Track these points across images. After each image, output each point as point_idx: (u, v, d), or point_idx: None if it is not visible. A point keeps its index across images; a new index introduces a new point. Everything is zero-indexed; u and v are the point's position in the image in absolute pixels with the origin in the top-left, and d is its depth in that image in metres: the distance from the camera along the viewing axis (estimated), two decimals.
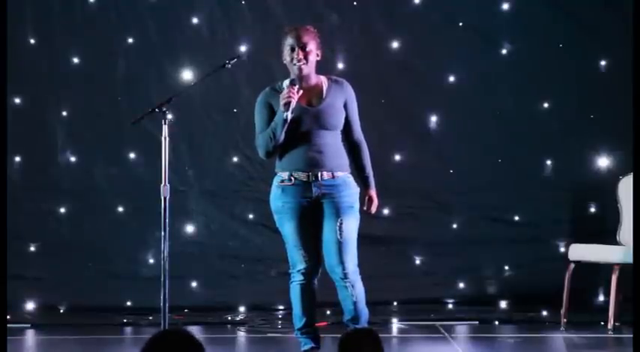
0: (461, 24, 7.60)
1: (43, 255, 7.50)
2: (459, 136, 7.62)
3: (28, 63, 7.47)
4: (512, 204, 7.63)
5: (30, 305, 7.47)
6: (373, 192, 5.51)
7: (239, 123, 7.59)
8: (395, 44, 7.59)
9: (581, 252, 6.98)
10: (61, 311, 7.48)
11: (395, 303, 7.55)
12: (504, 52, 7.63)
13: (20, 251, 7.41)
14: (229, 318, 7.37)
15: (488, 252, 7.58)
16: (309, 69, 5.37)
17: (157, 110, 5.33)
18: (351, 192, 5.38)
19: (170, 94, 5.50)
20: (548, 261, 7.45)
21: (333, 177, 5.35)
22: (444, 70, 7.62)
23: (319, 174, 5.33)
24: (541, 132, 7.62)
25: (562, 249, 7.48)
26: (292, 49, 5.35)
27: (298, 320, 5.49)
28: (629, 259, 6.68)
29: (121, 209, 7.56)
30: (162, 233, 5.31)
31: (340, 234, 5.33)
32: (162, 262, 5.34)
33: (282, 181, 5.40)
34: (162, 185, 5.32)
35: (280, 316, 7.39)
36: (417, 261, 7.65)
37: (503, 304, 7.59)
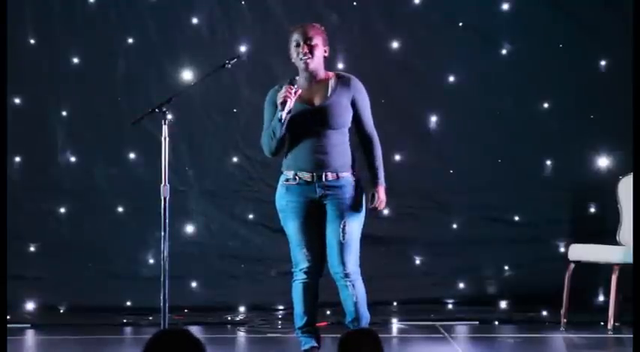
0: (461, 24, 7.60)
1: (43, 255, 7.50)
2: (459, 136, 7.62)
3: (28, 63, 7.47)
4: (512, 204, 7.63)
5: (30, 305, 7.47)
6: (381, 189, 5.45)
7: (239, 123, 7.59)
8: (395, 44, 7.59)
9: (581, 252, 6.98)
10: (61, 311, 7.48)
11: (395, 303, 7.55)
12: (504, 52, 7.63)
13: (20, 251, 7.41)
14: (229, 318, 7.37)
15: (488, 252, 7.58)
16: (316, 64, 5.35)
17: (156, 110, 5.33)
18: (355, 192, 5.38)
19: (170, 94, 5.51)
20: (548, 261, 7.45)
21: (338, 177, 5.34)
22: (444, 70, 7.62)
23: (323, 175, 5.33)
24: (541, 132, 7.62)
25: (562, 249, 7.48)
26: (298, 45, 5.34)
27: (299, 319, 5.48)
28: (629, 259, 6.68)
29: (121, 209, 7.56)
30: (162, 233, 5.31)
31: (343, 236, 5.33)
32: (162, 262, 5.34)
33: (287, 180, 5.41)
34: (162, 185, 5.32)
35: (280, 316, 7.39)
36: (417, 261, 7.65)
37: (503, 304, 7.59)
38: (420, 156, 7.58)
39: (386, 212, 7.47)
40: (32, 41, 7.51)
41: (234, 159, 7.62)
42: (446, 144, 7.63)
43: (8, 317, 6.90)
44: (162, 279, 5.33)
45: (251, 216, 7.62)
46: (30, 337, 7.02)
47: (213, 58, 6.91)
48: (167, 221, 5.31)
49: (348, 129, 5.43)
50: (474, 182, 7.60)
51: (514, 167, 7.62)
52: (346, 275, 5.36)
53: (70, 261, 7.46)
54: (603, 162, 7.61)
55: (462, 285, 7.64)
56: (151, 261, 7.47)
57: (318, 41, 5.34)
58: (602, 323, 6.96)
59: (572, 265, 6.99)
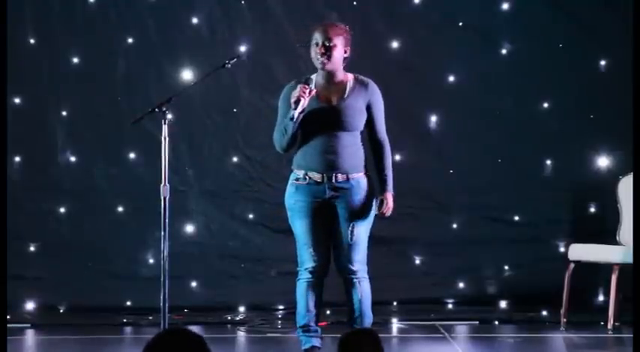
0: (461, 24, 7.60)
1: (43, 255, 7.50)
2: (459, 136, 7.62)
3: (28, 63, 7.47)
4: (512, 204, 7.63)
5: (30, 305, 7.46)
6: (389, 195, 5.46)
7: (239, 123, 7.59)
8: (395, 44, 7.59)
9: (581, 251, 6.98)
10: (61, 311, 7.48)
11: (395, 303, 7.55)
12: (504, 52, 7.63)
13: (20, 251, 7.41)
14: (229, 318, 7.37)
15: (488, 252, 7.58)
16: (333, 65, 5.34)
17: (156, 110, 5.33)
18: (364, 194, 5.38)
19: (170, 94, 5.51)
20: (548, 260, 7.45)
21: (348, 179, 5.34)
22: (444, 70, 7.62)
23: (333, 176, 5.33)
24: (541, 132, 7.61)
25: (562, 249, 7.48)
26: (317, 44, 5.33)
27: (301, 319, 5.48)
28: (629, 259, 6.69)
29: (121, 209, 7.56)
30: (162, 233, 5.31)
31: (351, 238, 5.35)
32: (162, 262, 5.34)
33: (297, 179, 5.40)
34: (162, 185, 5.32)
35: (280, 316, 7.39)
36: (417, 261, 7.65)
37: (503, 304, 7.59)
38: (420, 156, 7.58)
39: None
40: (32, 41, 7.51)
41: (234, 159, 7.62)
42: (446, 144, 7.63)
43: (8, 317, 6.90)
44: (162, 279, 5.33)
45: (251, 216, 7.62)
46: (30, 337, 7.02)
47: (213, 58, 6.91)
48: (167, 221, 5.31)
49: (360, 132, 5.43)
50: (474, 182, 7.60)
51: (514, 167, 7.62)
52: (353, 273, 5.38)
53: (70, 261, 7.46)
54: (603, 162, 7.61)
55: (461, 285, 7.63)
56: (151, 260, 7.47)
57: (337, 42, 5.33)
58: (602, 323, 6.96)
59: (572, 265, 7.00)
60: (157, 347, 3.09)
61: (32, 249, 7.52)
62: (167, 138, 5.33)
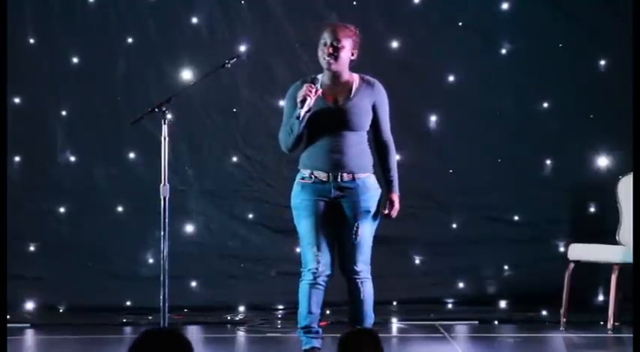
0: (461, 24, 7.60)
1: (43, 255, 7.50)
2: (459, 136, 7.62)
3: (28, 63, 7.47)
4: (512, 204, 7.63)
5: (30, 305, 7.46)
6: (395, 196, 5.47)
7: (239, 123, 7.59)
8: (395, 44, 7.59)
9: (581, 251, 6.98)
10: (61, 311, 7.48)
11: (395, 303, 7.55)
12: (504, 52, 7.63)
13: (20, 251, 7.41)
14: (229, 318, 7.37)
15: (488, 252, 7.58)
16: (339, 66, 5.34)
17: (156, 110, 5.33)
18: (370, 194, 5.38)
19: (170, 94, 5.50)
20: (548, 260, 7.45)
21: (354, 178, 5.34)
22: (444, 70, 7.62)
23: (339, 175, 5.32)
24: (541, 132, 7.62)
25: (562, 249, 7.48)
26: (325, 44, 5.33)
27: (303, 319, 5.47)
28: (629, 259, 6.69)
29: (120, 209, 7.56)
30: (162, 233, 5.31)
31: (355, 238, 5.35)
32: (161, 262, 5.34)
33: (303, 178, 5.39)
34: (161, 185, 5.32)
35: (280, 316, 7.39)
36: (417, 261, 7.65)
37: (502, 304, 7.59)
38: (420, 156, 7.58)
39: (386, 212, 7.47)
40: (32, 41, 7.51)
41: (234, 159, 7.62)
42: (446, 144, 7.63)
43: (8, 317, 6.89)
44: (162, 279, 5.33)
45: (251, 216, 7.61)
46: (30, 337, 7.02)
47: (213, 58, 6.91)
48: (167, 221, 5.31)
49: (366, 132, 5.43)
50: (474, 182, 7.60)
51: (514, 167, 7.62)
52: (356, 274, 5.38)
53: (70, 260, 7.46)
54: (603, 162, 7.61)
55: (461, 285, 7.64)
56: (151, 260, 7.47)
57: (346, 43, 5.34)
58: (601, 323, 6.96)
59: (572, 265, 7.00)
60: (142, 348, 3.09)
61: (32, 249, 7.52)
62: (167, 138, 5.32)
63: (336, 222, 5.37)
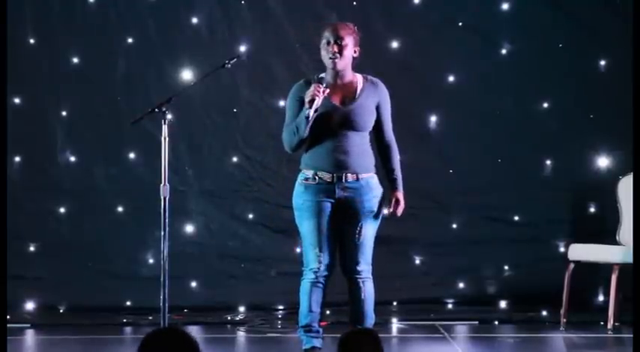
0: (461, 24, 7.60)
1: (43, 255, 7.50)
2: (459, 136, 7.62)
3: (28, 63, 7.47)
4: (512, 204, 7.63)
5: (30, 305, 7.46)
6: (400, 195, 5.46)
7: (239, 123, 7.59)
8: (395, 44, 7.59)
9: (581, 251, 6.98)
10: (61, 311, 7.48)
11: (395, 303, 7.55)
12: (504, 52, 7.63)
13: (20, 251, 7.41)
14: (229, 318, 7.37)
15: (488, 252, 7.58)
16: (344, 64, 5.34)
17: (156, 110, 5.33)
18: (373, 194, 5.38)
19: (170, 94, 5.50)
20: (548, 260, 7.45)
21: (357, 178, 5.34)
22: (444, 70, 7.62)
23: (344, 176, 5.32)
24: (541, 132, 7.61)
25: (562, 249, 7.48)
26: (328, 43, 5.33)
27: (303, 318, 5.46)
28: (629, 259, 6.69)
29: (120, 209, 7.56)
30: (162, 233, 5.31)
31: (358, 238, 5.35)
32: (161, 262, 5.34)
33: (306, 179, 5.38)
34: (161, 185, 5.32)
35: (280, 316, 7.39)
36: (417, 261, 7.65)
37: (503, 304, 7.59)
38: (420, 156, 7.57)
39: (386, 212, 7.47)
40: (32, 41, 7.51)
41: (234, 159, 7.62)
42: (446, 144, 7.63)
43: (8, 317, 6.89)
44: (162, 279, 5.32)
45: (251, 216, 7.61)
46: (30, 337, 7.02)
47: (213, 58, 6.92)
48: (167, 221, 5.31)
49: (369, 132, 5.43)
50: (474, 182, 7.60)
51: (514, 167, 7.62)
52: (357, 273, 5.38)
53: (70, 261, 7.46)
54: (603, 162, 7.61)
55: (461, 285, 7.64)
56: (151, 260, 7.47)
57: (348, 41, 5.34)
58: (602, 323, 6.96)
59: (572, 265, 7.00)
60: (150, 347, 3.09)
61: (32, 249, 7.52)
62: (167, 138, 5.32)
63: (339, 222, 5.37)
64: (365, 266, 5.40)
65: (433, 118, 7.64)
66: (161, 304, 5.33)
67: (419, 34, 7.61)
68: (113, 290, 7.42)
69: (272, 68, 7.49)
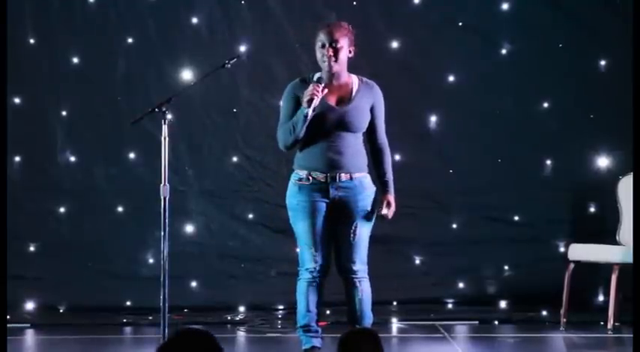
0: (461, 24, 7.61)
1: (43, 255, 7.50)
2: (459, 136, 7.62)
3: (28, 63, 7.47)
4: (512, 204, 7.63)
5: (30, 305, 7.46)
6: (391, 197, 5.46)
7: (239, 123, 7.59)
8: (395, 44, 7.59)
9: (581, 251, 6.98)
10: (61, 311, 7.48)
11: (395, 303, 7.55)
12: (504, 52, 7.63)
13: (20, 251, 7.41)
14: (229, 318, 7.37)
15: (488, 252, 7.58)
16: (340, 67, 5.33)
17: (156, 110, 5.32)
18: (366, 194, 5.38)
19: (170, 94, 5.50)
20: (548, 260, 7.45)
21: (351, 178, 5.34)
22: (444, 70, 7.62)
23: (337, 176, 5.32)
24: (541, 132, 7.62)
25: (562, 249, 7.48)
26: (323, 46, 5.32)
27: (302, 318, 5.47)
28: (629, 259, 6.69)
29: (120, 209, 7.56)
30: (162, 233, 5.31)
31: (353, 237, 5.35)
32: (161, 262, 5.34)
33: (300, 180, 5.38)
34: (161, 185, 5.31)
35: (280, 316, 7.39)
36: (417, 261, 7.65)
37: (502, 304, 7.59)
38: (420, 156, 7.58)
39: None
40: (32, 41, 7.51)
41: (234, 159, 7.62)
42: (446, 144, 7.63)
43: (8, 317, 6.89)
44: (162, 279, 5.32)
45: (251, 216, 7.62)
46: (30, 337, 7.02)
47: (213, 58, 6.92)
48: (167, 221, 5.31)
49: (362, 133, 5.43)
50: (474, 182, 7.60)
51: (514, 167, 7.62)
52: (353, 273, 5.38)
53: (70, 261, 7.46)
54: (603, 162, 7.61)
55: (461, 285, 7.64)
56: (151, 260, 7.47)
57: (343, 43, 5.32)
58: (602, 323, 6.96)
59: (572, 265, 7.00)
60: (171, 348, 3.09)
61: (32, 249, 7.52)
62: (167, 138, 5.32)
63: (333, 222, 5.37)
64: (361, 266, 5.40)
65: (433, 118, 7.64)
66: (161, 304, 5.33)
67: (419, 34, 7.61)
68: (113, 290, 7.42)
69: (272, 68, 7.49)
